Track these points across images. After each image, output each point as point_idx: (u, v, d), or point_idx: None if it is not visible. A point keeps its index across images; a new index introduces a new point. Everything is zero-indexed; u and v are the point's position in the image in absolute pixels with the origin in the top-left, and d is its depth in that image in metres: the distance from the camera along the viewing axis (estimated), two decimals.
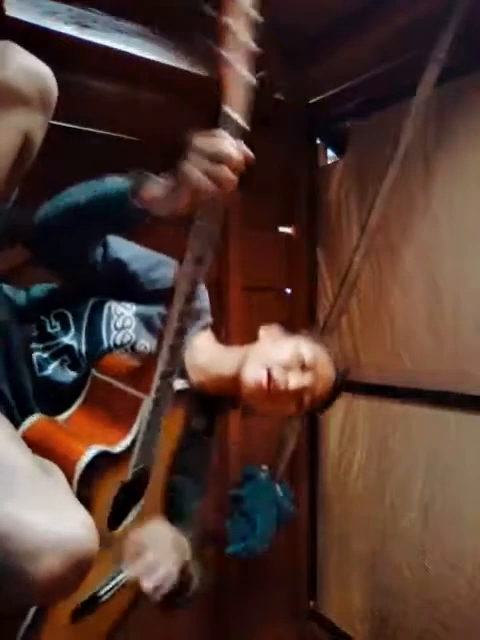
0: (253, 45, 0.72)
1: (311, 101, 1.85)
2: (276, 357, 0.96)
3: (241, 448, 1.82)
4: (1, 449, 0.64)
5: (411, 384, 1.67)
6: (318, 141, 2.04)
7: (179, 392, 0.89)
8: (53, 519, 0.58)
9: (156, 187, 0.79)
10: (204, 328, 1.09)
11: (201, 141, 0.71)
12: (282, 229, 2.04)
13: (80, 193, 0.85)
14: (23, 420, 0.84)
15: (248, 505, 1.74)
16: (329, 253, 1.98)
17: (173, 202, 0.77)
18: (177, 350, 0.81)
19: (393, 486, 1.73)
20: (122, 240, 0.98)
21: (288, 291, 2.04)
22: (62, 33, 1.31)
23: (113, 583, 0.83)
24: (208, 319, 1.11)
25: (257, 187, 1.89)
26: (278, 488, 1.82)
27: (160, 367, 0.80)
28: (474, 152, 1.48)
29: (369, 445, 1.82)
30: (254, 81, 0.73)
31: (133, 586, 0.84)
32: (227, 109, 0.72)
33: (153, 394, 0.80)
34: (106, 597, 0.82)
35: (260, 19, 0.71)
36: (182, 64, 1.50)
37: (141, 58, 1.43)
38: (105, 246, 0.95)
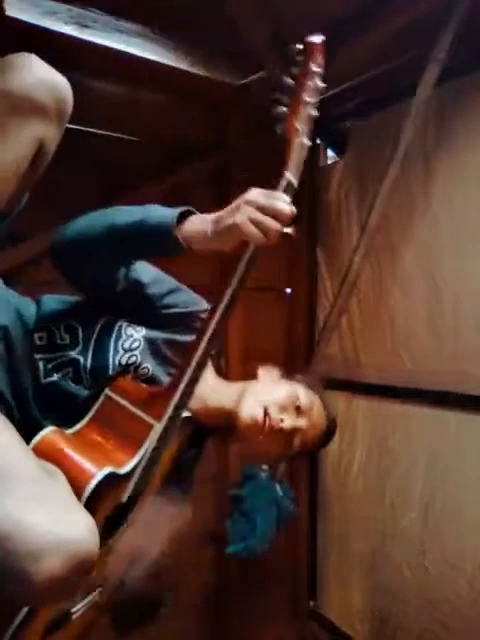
0: (315, 115, 0.84)
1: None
2: (273, 396, 1.00)
3: (241, 448, 1.82)
4: (3, 450, 0.64)
5: (411, 384, 1.67)
6: (318, 141, 2.04)
7: (183, 421, 0.90)
8: (54, 520, 0.57)
9: (201, 225, 0.82)
10: None
11: (260, 196, 0.78)
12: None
13: (121, 217, 0.86)
14: (23, 421, 0.84)
15: (248, 505, 1.74)
16: (329, 253, 1.98)
17: (217, 243, 0.81)
18: (195, 383, 0.84)
19: (393, 486, 1.73)
20: (145, 263, 0.99)
21: (288, 291, 2.04)
22: (62, 33, 1.30)
23: (86, 600, 0.84)
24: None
25: (257, 187, 1.89)
26: (278, 488, 1.82)
27: (177, 398, 0.82)
28: (474, 152, 1.48)
29: (369, 445, 1.82)
30: (310, 144, 0.85)
31: (101, 605, 0.86)
32: (288, 173, 0.82)
33: (164, 422, 0.82)
34: (75, 616, 0.83)
35: (324, 87, 0.83)
36: (182, 64, 1.50)
37: (141, 58, 1.43)
38: (128, 266, 0.96)
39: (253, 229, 0.77)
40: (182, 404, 0.84)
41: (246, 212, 0.77)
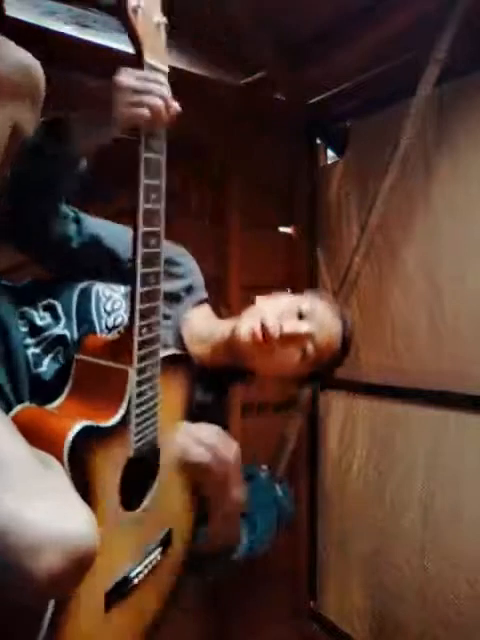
0: None
1: (311, 101, 1.85)
2: (270, 307, 0.96)
3: (241, 448, 1.82)
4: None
5: (411, 384, 1.67)
6: (318, 141, 2.04)
7: (171, 359, 0.86)
8: (53, 514, 0.57)
9: (76, 125, 0.82)
10: (199, 303, 1.09)
11: (131, 79, 0.76)
12: (282, 229, 2.04)
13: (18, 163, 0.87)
14: None
15: (248, 505, 1.74)
16: (329, 253, 1.98)
17: (98, 138, 0.83)
18: (151, 315, 0.79)
19: (393, 486, 1.73)
20: (96, 218, 0.98)
21: (288, 291, 2.05)
22: (62, 33, 1.31)
23: (144, 564, 0.83)
24: (202, 295, 1.11)
25: (257, 187, 1.89)
26: (278, 488, 1.81)
27: (137, 335, 0.77)
28: (474, 152, 1.48)
29: (369, 445, 1.82)
30: (165, 20, 0.78)
31: (165, 569, 0.85)
32: (146, 57, 0.77)
33: (135, 364, 0.78)
34: (138, 579, 0.81)
35: None
36: (182, 64, 1.50)
37: None
38: (79, 222, 0.94)
39: (138, 110, 0.74)
40: (148, 341, 0.79)
41: (124, 100, 0.75)
